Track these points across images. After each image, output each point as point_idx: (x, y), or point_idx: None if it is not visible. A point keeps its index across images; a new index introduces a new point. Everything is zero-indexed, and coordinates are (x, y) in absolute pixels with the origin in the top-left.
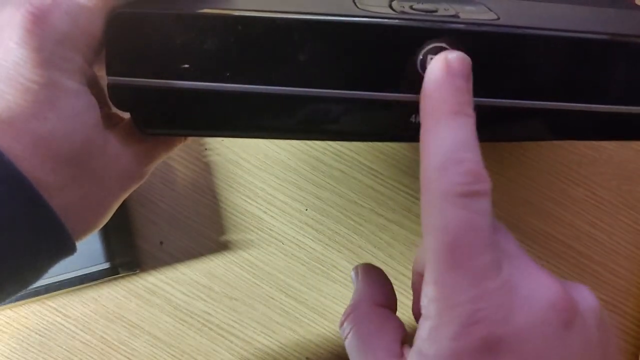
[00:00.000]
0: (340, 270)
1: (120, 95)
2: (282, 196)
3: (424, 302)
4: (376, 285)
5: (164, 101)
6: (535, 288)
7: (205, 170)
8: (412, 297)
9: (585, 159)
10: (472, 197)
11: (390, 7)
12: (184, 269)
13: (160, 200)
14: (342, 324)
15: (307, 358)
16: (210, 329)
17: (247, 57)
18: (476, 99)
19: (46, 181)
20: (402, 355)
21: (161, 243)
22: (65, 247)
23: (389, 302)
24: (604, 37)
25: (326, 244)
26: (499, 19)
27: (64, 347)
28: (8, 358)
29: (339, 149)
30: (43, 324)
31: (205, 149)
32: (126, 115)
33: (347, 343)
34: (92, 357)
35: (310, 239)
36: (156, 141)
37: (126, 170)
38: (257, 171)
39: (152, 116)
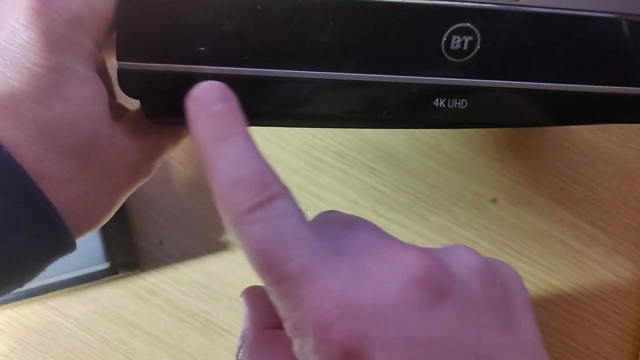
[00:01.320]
0: None
1: (130, 82)
2: None
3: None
4: (262, 307)
5: (178, 88)
6: (391, 270)
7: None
8: None
9: (586, 159)
10: (264, 206)
11: None
12: (184, 269)
13: (160, 199)
14: (237, 356)
15: None
16: (210, 329)
17: (267, 39)
18: (496, 81)
19: (50, 173)
20: None
21: (161, 242)
22: (65, 245)
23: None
24: (628, 18)
25: None
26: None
27: (63, 346)
28: (8, 358)
29: (340, 149)
30: (43, 323)
31: None
32: (132, 106)
33: None
34: (92, 357)
35: None
36: (163, 133)
37: (133, 165)
38: None
39: (164, 104)
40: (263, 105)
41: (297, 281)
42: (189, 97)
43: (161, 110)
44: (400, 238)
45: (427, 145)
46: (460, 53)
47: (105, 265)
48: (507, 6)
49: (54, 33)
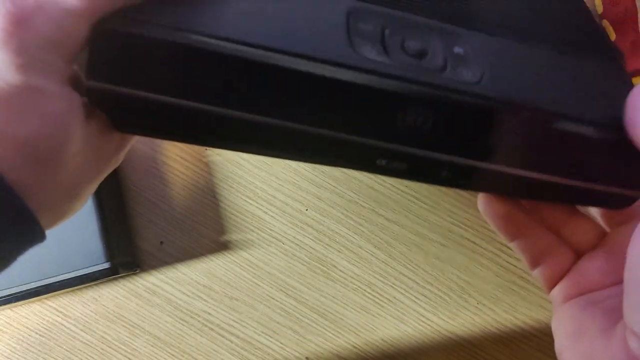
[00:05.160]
0: (340, 270)
1: (98, 98)
2: (282, 196)
3: None
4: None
5: (142, 110)
6: None
7: (205, 170)
8: (411, 295)
9: None
10: None
11: (382, 40)
12: (184, 269)
13: (160, 200)
14: None
15: (307, 358)
16: (211, 329)
17: (231, 86)
18: (439, 154)
19: (24, 180)
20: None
21: (161, 243)
22: (34, 236)
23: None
24: (569, 122)
25: (326, 244)
26: (481, 79)
27: (64, 347)
28: (8, 358)
29: None
30: (43, 324)
31: (205, 149)
32: None
33: None
34: (92, 357)
35: (311, 239)
36: None
37: (104, 158)
38: (257, 171)
39: (128, 120)
40: (220, 138)
41: None
42: None
43: (125, 124)
44: (400, 238)
45: None
46: (409, 126)
47: (106, 266)
48: (465, 88)
49: (26, 54)
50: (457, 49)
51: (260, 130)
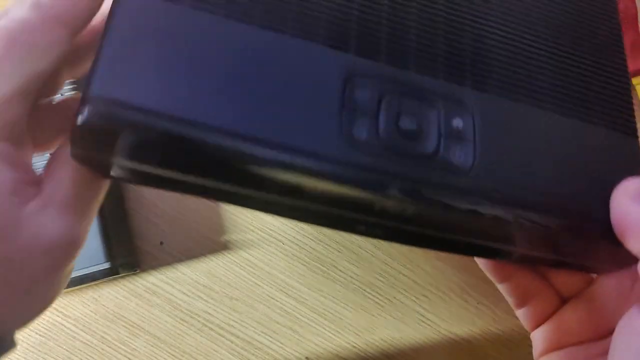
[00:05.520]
0: (340, 270)
1: (81, 159)
2: None
3: None
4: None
5: (124, 172)
6: None
7: None
8: (411, 295)
9: None
10: None
11: (377, 115)
12: (184, 269)
13: (160, 200)
14: None
15: (307, 358)
16: (211, 329)
17: (213, 167)
18: (413, 227)
19: None
20: None
21: (161, 243)
22: (2, 346)
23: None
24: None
25: (326, 244)
26: (473, 165)
27: (64, 347)
28: (8, 358)
29: None
30: (43, 324)
31: None
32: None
33: None
34: (92, 357)
35: (310, 239)
36: (88, 197)
37: (57, 242)
38: None
39: (111, 176)
40: (203, 196)
41: None
42: None
43: (109, 176)
44: None
45: None
46: (391, 210)
47: (106, 266)
48: (451, 183)
49: None
50: (457, 122)
51: (240, 197)
